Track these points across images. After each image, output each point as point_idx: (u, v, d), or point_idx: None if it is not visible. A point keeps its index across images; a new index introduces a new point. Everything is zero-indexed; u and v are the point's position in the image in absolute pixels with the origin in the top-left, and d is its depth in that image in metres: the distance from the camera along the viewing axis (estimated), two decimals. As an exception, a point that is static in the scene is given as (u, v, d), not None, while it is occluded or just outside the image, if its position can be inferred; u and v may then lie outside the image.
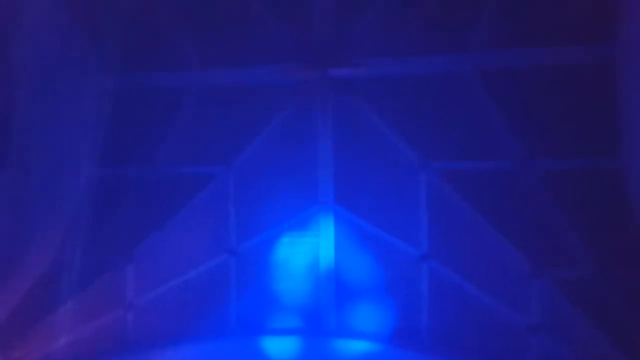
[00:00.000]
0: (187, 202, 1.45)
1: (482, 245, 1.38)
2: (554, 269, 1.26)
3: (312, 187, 1.48)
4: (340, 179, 1.48)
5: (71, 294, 1.33)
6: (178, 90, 1.46)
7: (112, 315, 1.40)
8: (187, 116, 1.47)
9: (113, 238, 1.45)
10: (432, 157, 1.42)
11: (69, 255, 1.37)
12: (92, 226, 1.43)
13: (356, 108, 1.47)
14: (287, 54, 1.46)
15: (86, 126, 1.32)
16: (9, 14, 1.24)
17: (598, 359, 1.13)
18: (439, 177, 1.41)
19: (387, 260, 1.44)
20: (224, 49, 1.45)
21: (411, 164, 1.45)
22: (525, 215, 1.35)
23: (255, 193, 1.49)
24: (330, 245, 1.50)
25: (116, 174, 1.45)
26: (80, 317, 1.32)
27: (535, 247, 1.32)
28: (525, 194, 1.34)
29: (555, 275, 1.27)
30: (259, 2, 1.37)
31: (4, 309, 1.26)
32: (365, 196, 1.48)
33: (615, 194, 1.27)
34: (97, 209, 1.45)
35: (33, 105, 1.30)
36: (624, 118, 1.17)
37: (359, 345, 1.44)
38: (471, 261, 1.37)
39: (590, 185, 1.31)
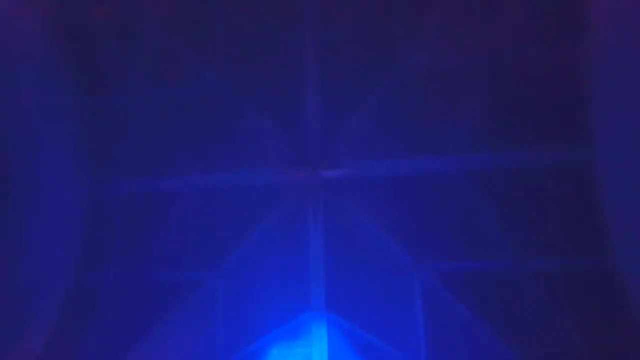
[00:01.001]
0: (171, 310, 1.39)
1: (479, 350, 1.35)
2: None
3: (303, 292, 1.44)
4: (332, 282, 1.45)
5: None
6: (165, 194, 1.44)
7: None
8: (173, 220, 1.46)
9: (94, 351, 1.42)
10: (426, 258, 1.41)
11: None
12: (73, 335, 1.42)
13: (347, 209, 1.45)
14: (276, 156, 1.45)
15: (68, 233, 1.30)
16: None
17: None
18: (434, 278, 1.39)
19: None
20: (213, 152, 1.44)
21: (404, 266, 1.43)
22: (522, 316, 1.32)
23: (243, 300, 1.45)
24: (323, 357, 1.44)
25: (97, 282, 1.43)
26: None
27: (533, 349, 1.30)
28: (518, 293, 1.32)
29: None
30: (247, 104, 1.36)
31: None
32: (359, 301, 1.45)
33: (608, 292, 1.25)
34: (76, 321, 1.42)
35: (15, 209, 1.29)
36: (609, 217, 1.16)
37: None
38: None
39: (583, 284, 1.29)
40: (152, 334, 1.38)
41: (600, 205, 1.08)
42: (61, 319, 1.31)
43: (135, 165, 1.41)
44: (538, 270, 1.26)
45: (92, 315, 1.38)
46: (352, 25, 1.11)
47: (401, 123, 1.25)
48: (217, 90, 1.21)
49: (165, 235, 1.41)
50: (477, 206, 1.28)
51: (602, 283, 1.16)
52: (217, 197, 1.44)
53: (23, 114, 1.15)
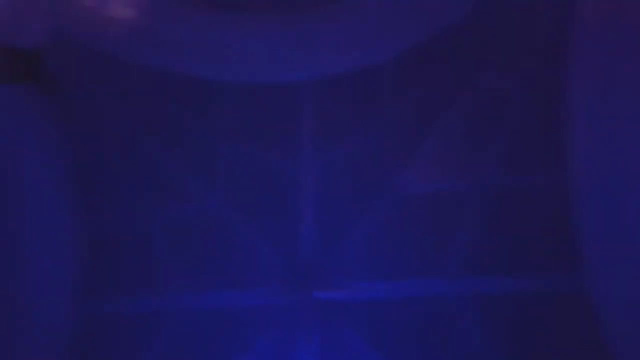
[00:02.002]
0: None
1: None
2: None
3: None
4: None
5: None
6: (156, 313, 1.43)
7: None
8: (161, 341, 1.43)
9: None
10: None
11: None
12: None
13: (341, 331, 1.43)
14: (270, 277, 1.44)
15: (53, 352, 1.27)
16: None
17: None
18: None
19: None
20: (206, 271, 1.43)
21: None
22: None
23: None
24: None
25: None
26: None
27: None
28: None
29: None
30: (243, 224, 1.37)
31: None
32: None
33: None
34: None
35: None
36: (612, 344, 1.14)
37: None
38: None
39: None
40: None
41: (602, 333, 1.06)
42: None
43: (126, 283, 1.40)
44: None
45: None
46: (348, 153, 1.13)
47: (397, 245, 1.25)
48: (213, 211, 1.22)
49: (153, 356, 1.39)
50: (474, 330, 1.27)
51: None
52: (209, 318, 1.43)
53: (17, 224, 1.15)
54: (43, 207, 1.17)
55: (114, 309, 1.34)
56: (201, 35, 0.95)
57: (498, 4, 0.98)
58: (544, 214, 1.07)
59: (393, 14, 0.96)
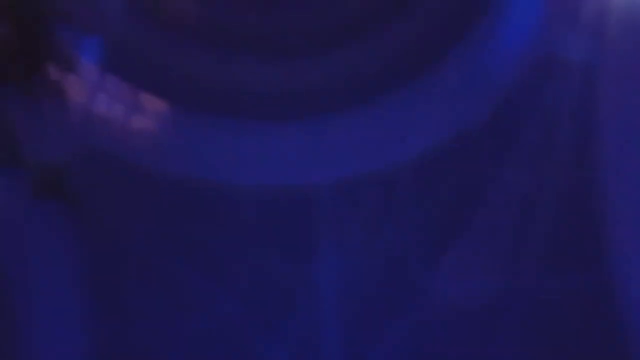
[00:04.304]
0: None
1: None
2: None
3: None
4: None
5: None
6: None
7: None
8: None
9: None
10: None
11: None
12: None
13: None
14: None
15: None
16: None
17: None
18: None
19: None
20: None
21: None
22: None
23: None
24: None
25: None
26: None
27: None
28: None
29: None
30: (258, 335, 1.31)
31: None
32: None
33: None
34: None
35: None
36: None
37: None
38: None
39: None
40: None
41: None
42: None
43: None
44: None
45: None
46: (367, 258, 1.09)
47: (424, 353, 1.18)
48: (229, 321, 1.16)
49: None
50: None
51: None
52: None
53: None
54: (53, 314, 1.14)
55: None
56: (218, 141, 0.92)
57: (523, 104, 0.96)
58: (584, 315, 1.01)
59: (414, 114, 0.93)
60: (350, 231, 1.05)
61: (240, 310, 1.17)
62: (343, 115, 0.99)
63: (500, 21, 0.97)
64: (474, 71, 0.96)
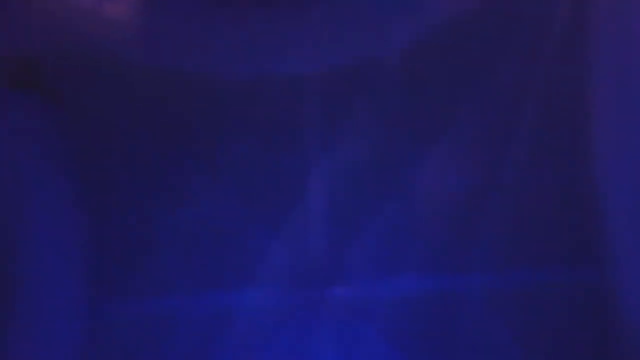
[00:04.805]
0: None
1: None
2: None
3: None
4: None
5: None
6: (167, 314, 1.40)
7: None
8: (176, 343, 1.41)
9: None
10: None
11: None
12: None
13: (355, 328, 1.40)
14: (282, 275, 1.41)
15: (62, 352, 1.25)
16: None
17: None
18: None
19: None
20: (216, 272, 1.41)
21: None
22: None
23: None
24: None
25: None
26: None
27: None
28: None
29: None
30: (250, 223, 1.34)
31: None
32: None
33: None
34: None
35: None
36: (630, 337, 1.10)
37: None
38: None
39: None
40: None
41: (620, 325, 1.02)
42: None
43: (135, 285, 1.37)
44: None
45: None
46: (359, 147, 1.10)
47: (411, 241, 1.21)
48: (222, 210, 1.18)
49: (164, 358, 1.36)
50: (493, 327, 1.24)
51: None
52: (220, 318, 1.40)
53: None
54: (48, 211, 1.15)
55: (122, 310, 1.31)
56: (203, 31, 0.90)
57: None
58: (564, 204, 1.03)
59: (395, 5, 0.91)
60: (339, 122, 1.05)
61: (231, 200, 1.18)
62: (328, 3, 0.97)
63: None
64: None
